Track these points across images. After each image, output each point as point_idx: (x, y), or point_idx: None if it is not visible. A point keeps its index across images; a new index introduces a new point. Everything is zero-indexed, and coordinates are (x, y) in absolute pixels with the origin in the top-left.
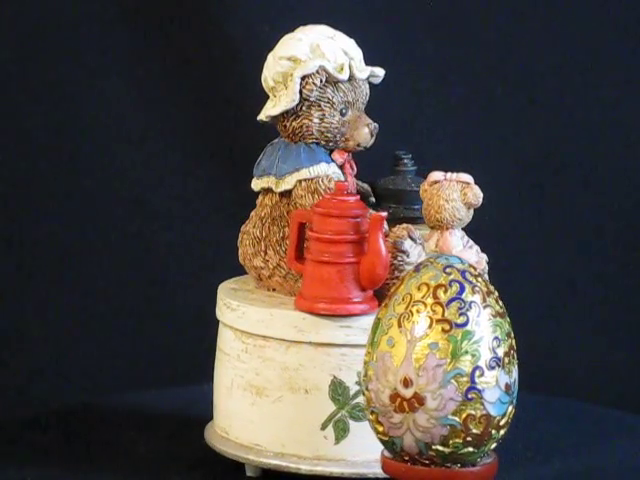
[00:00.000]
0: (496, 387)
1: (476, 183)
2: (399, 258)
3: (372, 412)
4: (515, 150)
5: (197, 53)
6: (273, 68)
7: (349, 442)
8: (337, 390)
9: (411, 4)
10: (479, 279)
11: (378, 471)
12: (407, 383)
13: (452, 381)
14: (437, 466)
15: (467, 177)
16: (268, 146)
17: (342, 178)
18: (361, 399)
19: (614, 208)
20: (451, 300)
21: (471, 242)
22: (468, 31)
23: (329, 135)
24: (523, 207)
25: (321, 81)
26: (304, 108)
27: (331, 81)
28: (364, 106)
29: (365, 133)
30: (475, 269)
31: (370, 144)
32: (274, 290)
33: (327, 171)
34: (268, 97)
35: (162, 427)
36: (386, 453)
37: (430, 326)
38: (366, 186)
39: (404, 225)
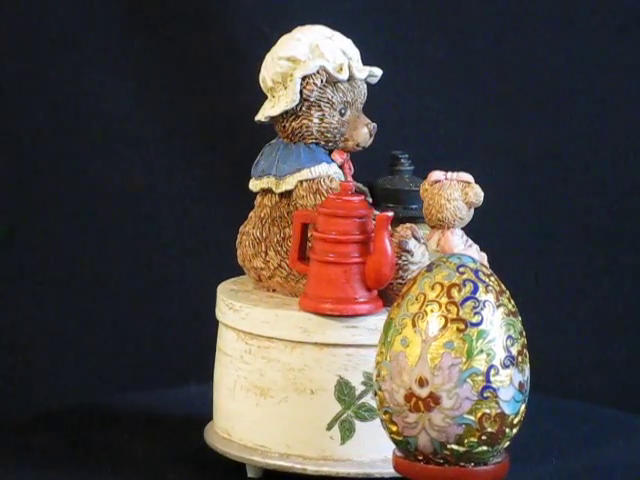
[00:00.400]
0: (510, 386)
1: (476, 183)
2: (403, 258)
3: (385, 412)
4: (515, 150)
5: (197, 53)
6: (272, 68)
7: (355, 442)
8: (343, 390)
9: (411, 3)
10: (492, 278)
11: (384, 471)
12: (422, 382)
13: (468, 380)
14: (451, 465)
15: (467, 176)
16: (266, 147)
17: (343, 178)
18: (367, 399)
19: (614, 208)
20: (465, 299)
21: (470, 241)
22: (468, 31)
23: (329, 135)
24: (523, 207)
25: (322, 81)
26: (304, 108)
27: (331, 81)
28: (362, 106)
29: (364, 133)
30: (487, 268)
31: (369, 144)
32: (274, 291)
33: (328, 171)
34: (267, 97)
35: (162, 427)
36: (398, 453)
37: (445, 325)
38: (360, 185)
39: (408, 225)
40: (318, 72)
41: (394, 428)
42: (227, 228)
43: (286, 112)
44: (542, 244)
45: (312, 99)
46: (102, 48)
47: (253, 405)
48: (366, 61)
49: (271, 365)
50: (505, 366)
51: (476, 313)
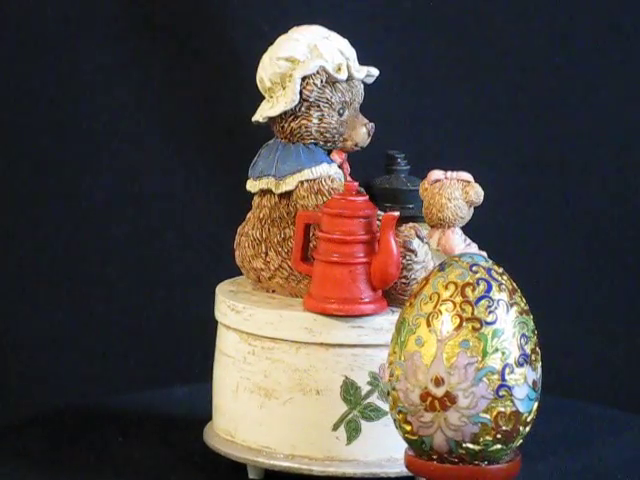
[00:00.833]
0: (525, 384)
1: (475, 182)
2: (407, 257)
3: (400, 412)
4: (515, 150)
5: (197, 53)
6: (270, 69)
7: (361, 442)
8: (349, 390)
9: (410, 3)
10: (504, 277)
11: (390, 471)
12: (438, 382)
13: (484, 379)
14: (465, 464)
15: (467, 175)
16: (263, 147)
17: (343, 178)
18: (373, 399)
19: (614, 208)
20: (480, 298)
21: (469, 240)
22: (468, 31)
23: (328, 135)
24: (523, 207)
25: (321, 81)
26: (303, 109)
27: (330, 81)
28: (359, 106)
29: (363, 133)
30: (499, 266)
31: (367, 144)
32: (273, 292)
33: (329, 171)
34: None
35: (161, 427)
36: (410, 452)
37: (460, 324)
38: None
39: (411, 224)
40: (318, 72)
41: (408, 428)
42: (228, 228)
43: (285, 113)
44: (542, 244)
45: (311, 99)
46: (102, 48)
47: (257, 406)
48: (368, 61)
49: (276, 366)
50: (519, 364)
51: (490, 312)
